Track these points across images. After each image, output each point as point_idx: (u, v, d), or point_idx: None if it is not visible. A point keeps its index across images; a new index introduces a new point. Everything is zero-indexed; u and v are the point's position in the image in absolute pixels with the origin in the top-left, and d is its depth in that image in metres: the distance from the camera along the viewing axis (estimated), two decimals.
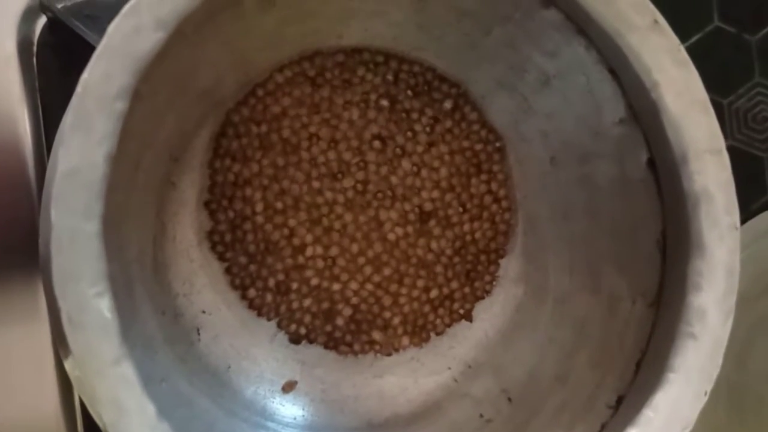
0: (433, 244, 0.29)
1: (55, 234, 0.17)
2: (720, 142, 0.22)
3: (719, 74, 0.60)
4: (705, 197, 0.21)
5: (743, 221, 0.56)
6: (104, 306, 0.18)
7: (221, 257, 0.28)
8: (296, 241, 0.28)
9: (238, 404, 0.27)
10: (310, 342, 0.29)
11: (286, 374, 0.28)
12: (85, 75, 0.17)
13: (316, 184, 0.28)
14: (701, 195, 0.21)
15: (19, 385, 0.29)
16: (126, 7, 0.18)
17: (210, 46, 0.24)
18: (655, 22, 0.21)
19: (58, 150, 0.17)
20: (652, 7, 0.21)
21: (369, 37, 0.28)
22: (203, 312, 0.28)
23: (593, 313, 0.27)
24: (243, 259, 0.28)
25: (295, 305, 0.28)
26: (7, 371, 0.29)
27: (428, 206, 0.29)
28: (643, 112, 0.24)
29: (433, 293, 0.29)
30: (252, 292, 0.28)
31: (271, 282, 0.28)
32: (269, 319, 0.28)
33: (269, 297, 0.28)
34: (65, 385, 0.29)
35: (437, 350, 0.30)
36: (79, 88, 0.17)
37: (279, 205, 0.28)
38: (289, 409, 0.28)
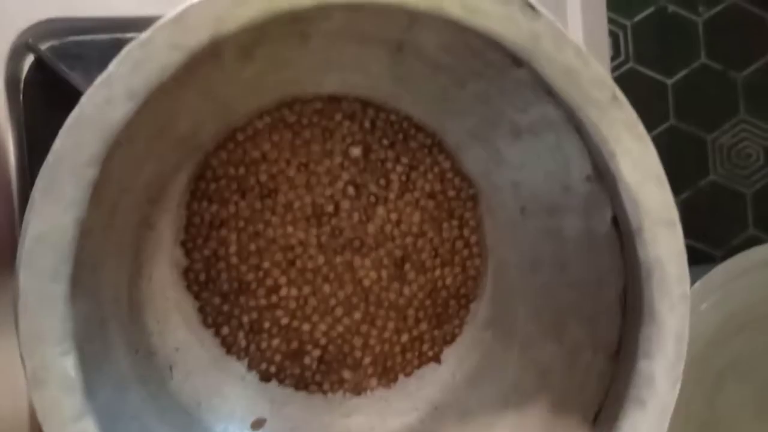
0: (406, 289, 0.30)
1: (22, 295, 0.18)
2: (674, 215, 0.22)
3: (704, 110, 0.61)
4: (658, 267, 0.22)
5: (724, 257, 0.56)
6: (69, 364, 0.18)
7: (196, 296, 0.29)
8: (269, 282, 0.29)
9: None
10: (280, 382, 0.29)
11: (256, 412, 0.29)
12: (57, 145, 0.18)
13: (290, 228, 0.29)
14: (654, 265, 0.22)
15: None
16: (99, 79, 0.19)
17: (189, 95, 0.25)
18: (614, 97, 0.22)
19: (29, 215, 0.18)
20: (611, 82, 0.22)
21: (347, 86, 0.29)
22: (176, 349, 0.28)
23: (556, 362, 0.28)
24: (217, 299, 0.29)
25: (264, 345, 0.29)
26: None
27: (400, 252, 0.30)
28: (605, 174, 0.25)
29: (404, 337, 0.30)
30: (225, 330, 0.29)
31: (245, 320, 0.29)
32: (239, 359, 0.29)
33: (241, 335, 0.29)
34: None
35: (405, 391, 0.31)
36: (50, 157, 0.18)
37: (253, 246, 0.29)
38: None
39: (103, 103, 0.18)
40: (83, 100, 0.18)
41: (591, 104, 0.22)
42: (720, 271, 0.46)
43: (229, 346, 0.29)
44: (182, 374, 0.28)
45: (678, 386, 0.22)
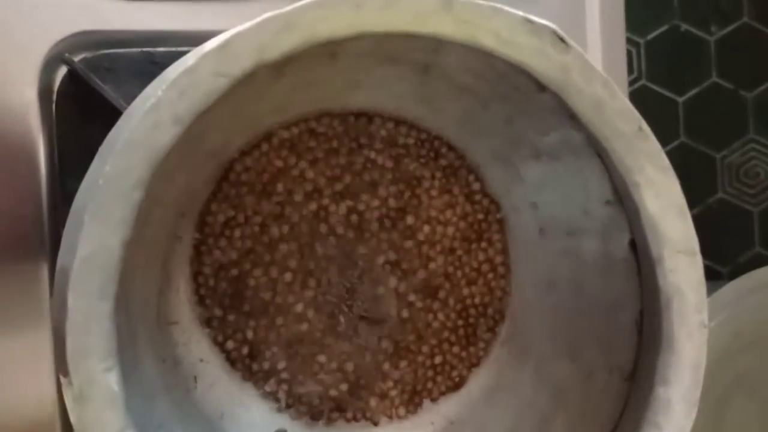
0: (440, 313, 0.31)
1: (71, 314, 0.18)
2: (694, 245, 0.23)
3: (714, 128, 0.62)
4: (677, 295, 0.23)
5: (730, 274, 0.57)
6: (112, 380, 0.19)
7: (200, 300, 0.29)
8: (279, 300, 0.29)
9: None
10: (288, 406, 0.30)
11: (276, 423, 0.30)
12: (107, 168, 0.19)
13: (306, 239, 0.30)
14: (674, 293, 0.23)
15: (18, 386, 0.30)
16: (148, 105, 0.19)
17: (221, 111, 0.25)
18: (640, 129, 0.23)
19: (79, 235, 0.19)
20: (637, 115, 0.23)
21: (373, 106, 0.30)
22: (201, 360, 0.29)
23: (571, 381, 0.29)
24: (218, 311, 0.29)
25: (266, 365, 0.29)
26: (7, 371, 0.30)
27: (437, 270, 0.31)
28: (625, 200, 0.25)
29: (438, 359, 0.31)
30: (230, 344, 0.29)
31: (250, 335, 0.29)
32: (244, 379, 0.29)
33: (245, 351, 0.29)
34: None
35: (421, 406, 0.31)
36: (100, 180, 0.19)
37: (267, 257, 0.29)
38: None
39: (151, 128, 0.19)
40: (133, 124, 0.19)
41: (617, 135, 0.23)
42: (728, 291, 0.46)
43: (233, 362, 0.29)
44: (206, 385, 0.29)
45: (694, 411, 0.23)
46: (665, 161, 0.23)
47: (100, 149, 0.22)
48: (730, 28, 0.59)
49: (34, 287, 0.30)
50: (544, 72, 0.22)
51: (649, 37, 0.58)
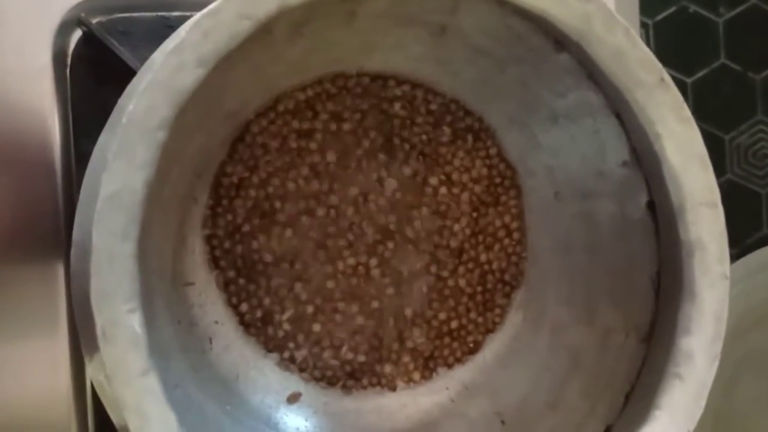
0: (461, 280, 0.31)
1: (95, 254, 0.18)
2: (716, 196, 0.23)
3: (722, 110, 0.62)
4: (699, 247, 0.23)
5: (738, 255, 0.57)
6: (135, 322, 0.19)
7: (215, 262, 0.29)
8: (298, 266, 0.29)
9: (245, 413, 0.28)
10: (302, 370, 0.29)
11: (291, 386, 0.30)
12: (131, 107, 0.19)
13: (323, 201, 0.29)
14: (695, 244, 0.23)
15: (34, 386, 0.30)
16: (171, 46, 0.19)
17: (238, 71, 0.25)
18: (662, 80, 0.23)
19: (102, 175, 0.19)
20: (659, 65, 0.23)
21: (389, 68, 0.30)
22: (216, 322, 0.29)
23: (587, 345, 0.28)
24: (232, 273, 0.29)
25: (280, 329, 0.29)
26: (23, 366, 0.30)
27: (455, 236, 0.30)
28: (645, 158, 0.25)
29: (454, 324, 0.31)
30: (244, 307, 0.29)
31: (263, 299, 0.29)
32: (258, 343, 0.29)
33: (259, 314, 0.29)
34: (78, 374, 0.30)
35: (437, 371, 0.31)
36: (124, 119, 0.19)
37: (282, 219, 0.29)
38: (293, 419, 0.29)
39: (175, 69, 0.19)
40: (156, 66, 0.19)
41: (638, 86, 0.23)
42: (739, 267, 0.46)
43: (246, 325, 0.29)
44: (221, 346, 0.29)
45: (716, 364, 0.23)
46: (687, 112, 0.23)
47: (120, 100, 0.22)
48: (739, 9, 0.59)
49: (49, 260, 0.30)
50: (565, 21, 0.22)
51: (658, 18, 0.58)
